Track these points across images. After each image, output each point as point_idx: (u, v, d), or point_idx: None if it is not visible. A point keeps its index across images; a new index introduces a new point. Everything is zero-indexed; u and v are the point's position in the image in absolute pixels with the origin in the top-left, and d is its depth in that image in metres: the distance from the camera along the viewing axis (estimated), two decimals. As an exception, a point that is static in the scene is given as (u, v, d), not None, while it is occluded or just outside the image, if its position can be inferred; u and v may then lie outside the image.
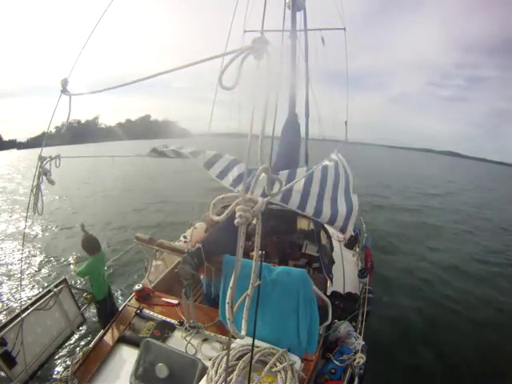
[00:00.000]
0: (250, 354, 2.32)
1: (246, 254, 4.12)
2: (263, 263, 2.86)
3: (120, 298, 6.30)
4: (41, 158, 2.43)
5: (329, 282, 3.81)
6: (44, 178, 2.47)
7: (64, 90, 1.83)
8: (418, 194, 21.60)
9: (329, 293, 3.81)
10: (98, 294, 3.50)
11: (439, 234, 12.57)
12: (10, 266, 8.00)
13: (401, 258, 9.33)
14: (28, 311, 2.91)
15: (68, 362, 2.80)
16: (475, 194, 24.54)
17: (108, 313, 3.49)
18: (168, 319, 3.23)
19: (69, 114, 1.91)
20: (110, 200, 15.67)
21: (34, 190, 2.43)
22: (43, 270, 7.82)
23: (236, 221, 0.85)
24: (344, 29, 7.36)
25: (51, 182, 2.51)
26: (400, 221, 13.77)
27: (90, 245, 3.50)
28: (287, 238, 4.89)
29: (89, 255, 3.50)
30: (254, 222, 0.94)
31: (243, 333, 0.86)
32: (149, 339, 2.80)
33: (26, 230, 10.04)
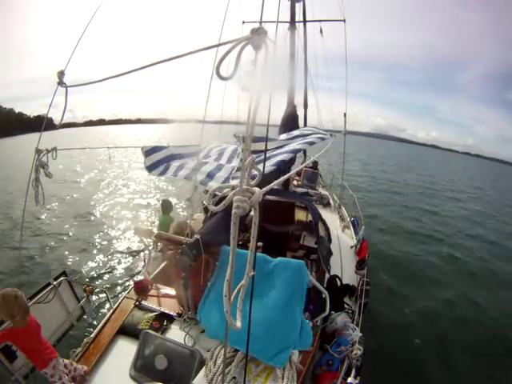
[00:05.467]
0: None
1: (245, 246, 4.13)
2: (261, 254, 2.86)
3: (119, 289, 6.34)
4: (38, 151, 2.41)
5: (326, 273, 3.82)
6: (41, 170, 2.45)
7: (60, 82, 1.81)
8: None
9: (325, 283, 3.84)
10: None
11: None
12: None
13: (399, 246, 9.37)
14: (28, 305, 2.91)
15: (68, 355, 2.80)
16: None
17: None
18: (167, 311, 3.25)
19: (65, 106, 1.89)
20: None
21: (33, 183, 2.41)
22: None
23: (233, 211, 0.85)
24: (344, 20, 7.33)
25: (48, 176, 2.49)
26: None
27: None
28: (285, 229, 4.89)
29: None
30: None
31: (239, 324, 0.86)
32: (148, 331, 2.82)
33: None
